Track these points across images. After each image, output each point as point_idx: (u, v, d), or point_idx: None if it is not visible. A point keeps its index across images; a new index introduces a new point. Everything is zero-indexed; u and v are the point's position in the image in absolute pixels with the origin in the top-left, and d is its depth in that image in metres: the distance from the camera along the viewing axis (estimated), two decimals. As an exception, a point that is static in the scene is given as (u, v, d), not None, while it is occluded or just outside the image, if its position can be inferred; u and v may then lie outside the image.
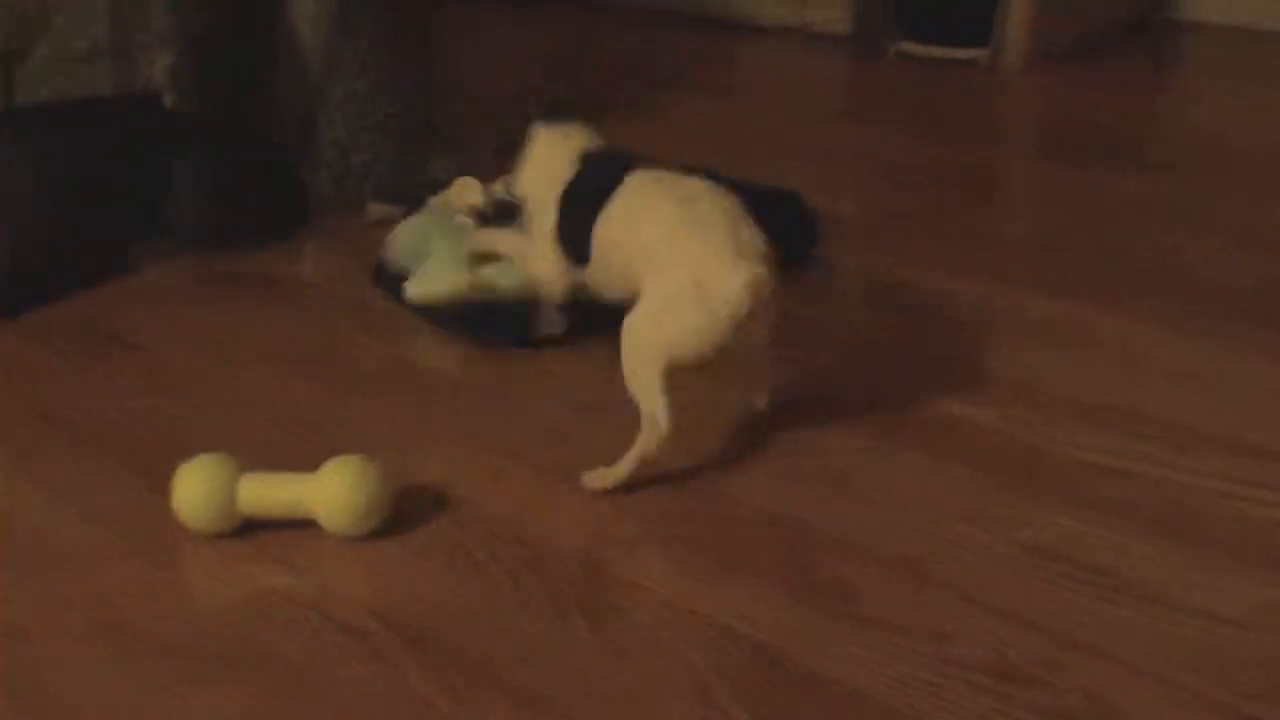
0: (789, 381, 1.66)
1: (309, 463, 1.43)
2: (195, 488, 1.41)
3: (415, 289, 1.83)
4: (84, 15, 1.96)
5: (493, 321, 1.80)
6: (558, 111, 1.74)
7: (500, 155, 1.87)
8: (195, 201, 2.10)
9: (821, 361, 1.71)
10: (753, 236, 1.45)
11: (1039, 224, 2.18)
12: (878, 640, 1.22)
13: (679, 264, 1.45)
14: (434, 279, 1.82)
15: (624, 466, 1.45)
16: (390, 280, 1.92)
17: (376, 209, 2.18)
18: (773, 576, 1.31)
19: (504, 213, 2.01)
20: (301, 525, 1.41)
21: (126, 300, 2.00)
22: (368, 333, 1.87)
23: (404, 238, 1.93)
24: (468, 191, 2.06)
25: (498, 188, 2.08)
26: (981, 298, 1.85)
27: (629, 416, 1.49)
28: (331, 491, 1.40)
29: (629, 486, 1.45)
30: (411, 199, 2.12)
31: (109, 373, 1.79)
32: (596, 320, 1.70)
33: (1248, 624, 1.22)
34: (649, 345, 1.45)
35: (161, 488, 1.48)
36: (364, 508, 1.39)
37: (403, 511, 1.43)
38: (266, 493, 1.42)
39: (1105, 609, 1.24)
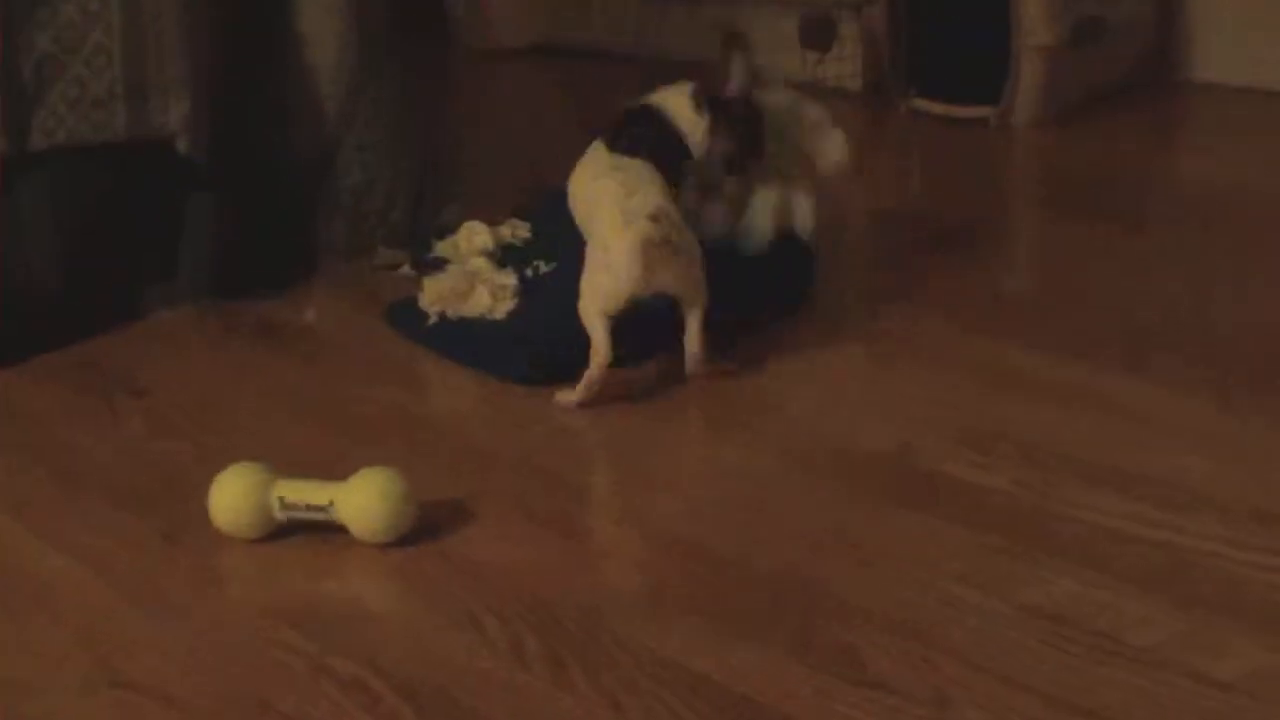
0: (789, 438, 1.66)
1: (310, 512, 1.44)
2: (231, 494, 1.47)
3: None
4: (100, 60, 1.97)
5: (505, 357, 1.82)
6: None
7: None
8: (204, 247, 2.10)
9: (822, 416, 1.71)
10: (642, 201, 1.72)
11: (1043, 281, 2.18)
12: (878, 703, 1.21)
13: (591, 234, 1.79)
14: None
15: (581, 388, 1.72)
16: (412, 321, 1.94)
17: (386, 254, 2.19)
18: (773, 637, 1.31)
19: (511, 256, 2.03)
20: (313, 571, 1.42)
21: (133, 345, 2.01)
22: (373, 380, 1.88)
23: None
24: (476, 235, 2.07)
25: (505, 231, 2.09)
26: (983, 354, 1.85)
27: (630, 464, 1.49)
28: (361, 500, 1.45)
29: (628, 535, 1.46)
30: (421, 243, 2.14)
31: (113, 417, 1.80)
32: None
33: (1245, 689, 1.21)
34: (585, 302, 1.73)
35: (163, 534, 1.49)
36: (391, 516, 1.45)
37: (402, 563, 1.43)
38: (299, 500, 1.47)
39: (1104, 672, 1.24)
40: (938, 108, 2.94)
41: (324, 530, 1.48)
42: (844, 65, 3.08)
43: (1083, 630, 1.29)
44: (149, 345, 2.01)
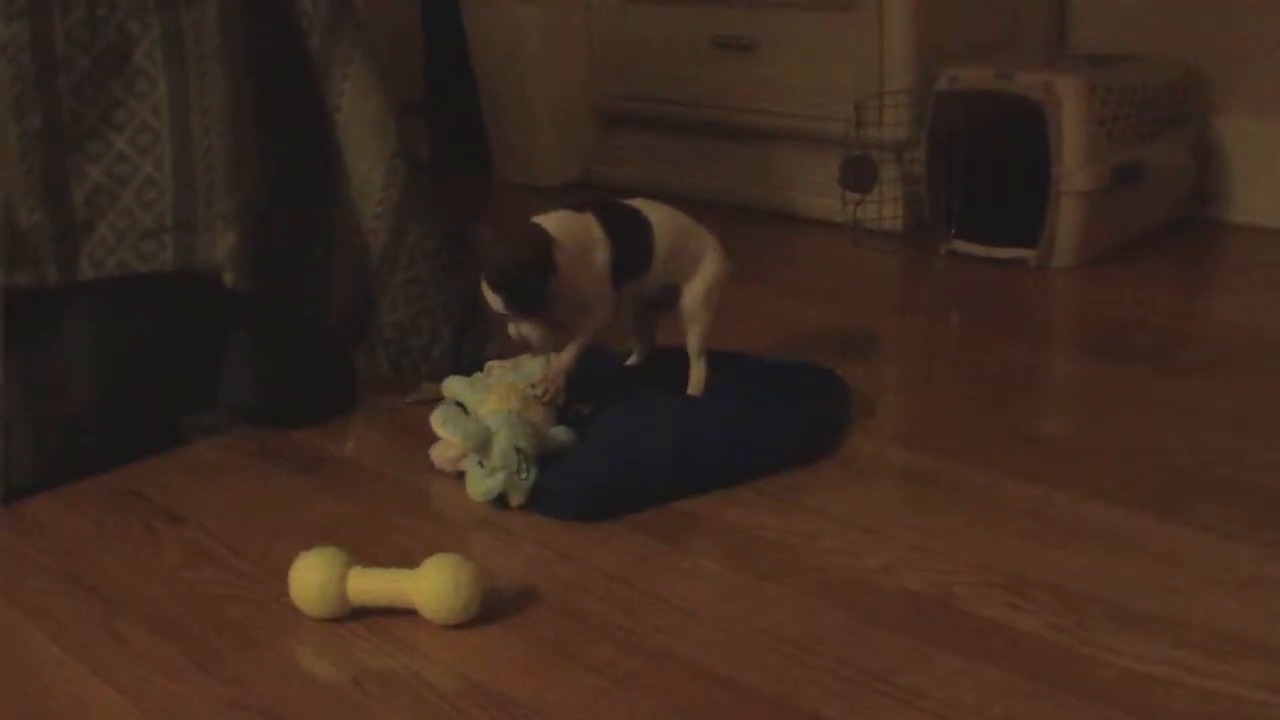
0: (826, 576, 1.65)
1: (348, 640, 1.43)
2: (310, 577, 1.58)
3: None
4: (150, 192, 2.00)
5: (553, 494, 1.85)
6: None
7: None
8: (247, 378, 2.12)
9: (858, 555, 1.70)
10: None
11: (1081, 424, 2.18)
12: (908, 845, 1.20)
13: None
14: None
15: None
16: None
17: (428, 388, 2.21)
18: (804, 775, 1.30)
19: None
20: (345, 706, 1.41)
21: (174, 473, 2.02)
22: (412, 513, 1.89)
23: None
24: (491, 396, 2.06)
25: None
26: (1019, 496, 1.85)
27: (664, 599, 1.49)
28: (431, 585, 1.56)
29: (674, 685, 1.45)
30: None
31: (153, 545, 1.80)
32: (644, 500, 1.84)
33: (1287, 842, 1.20)
34: None
35: (196, 663, 1.49)
36: (460, 601, 1.55)
37: (438, 698, 1.43)
38: (373, 585, 1.58)
39: (1141, 821, 1.22)
40: (977, 249, 2.96)
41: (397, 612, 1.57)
42: (884, 207, 3.11)
43: (1120, 777, 1.28)
44: (189, 473, 2.02)
